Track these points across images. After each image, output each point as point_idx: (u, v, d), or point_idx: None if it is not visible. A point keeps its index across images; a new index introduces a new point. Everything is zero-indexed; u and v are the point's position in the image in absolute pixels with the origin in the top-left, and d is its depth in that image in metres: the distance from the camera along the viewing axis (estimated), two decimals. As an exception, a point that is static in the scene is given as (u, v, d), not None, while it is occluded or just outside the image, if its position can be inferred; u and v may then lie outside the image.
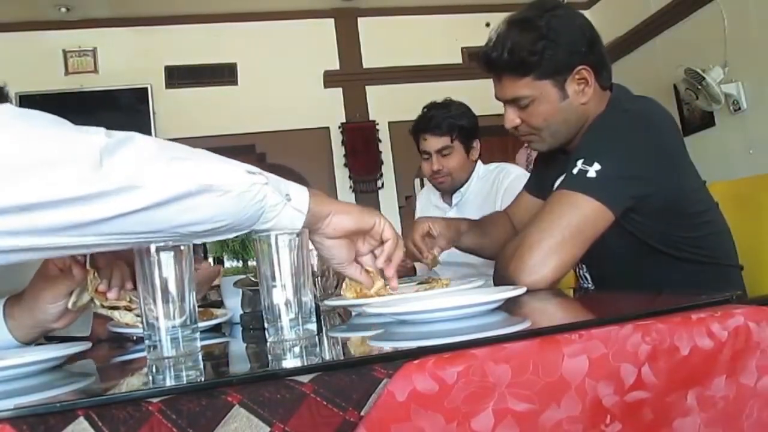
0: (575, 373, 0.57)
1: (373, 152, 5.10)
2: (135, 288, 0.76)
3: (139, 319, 0.78)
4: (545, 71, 1.20)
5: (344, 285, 0.93)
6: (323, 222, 0.80)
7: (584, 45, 1.21)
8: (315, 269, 1.10)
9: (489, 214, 1.60)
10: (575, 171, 1.12)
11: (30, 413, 0.48)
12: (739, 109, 4.08)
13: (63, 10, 4.70)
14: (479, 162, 2.25)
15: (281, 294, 0.75)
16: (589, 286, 1.39)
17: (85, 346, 0.76)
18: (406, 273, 2.19)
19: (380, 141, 5.09)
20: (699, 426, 0.61)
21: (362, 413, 0.52)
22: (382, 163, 5.11)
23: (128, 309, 0.86)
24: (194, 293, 0.74)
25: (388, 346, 0.70)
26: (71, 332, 0.99)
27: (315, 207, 0.77)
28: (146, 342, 0.72)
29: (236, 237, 1.21)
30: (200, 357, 0.73)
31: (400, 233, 0.90)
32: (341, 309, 1.09)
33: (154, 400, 0.49)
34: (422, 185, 2.42)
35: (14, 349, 0.86)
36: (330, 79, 5.21)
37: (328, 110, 5.12)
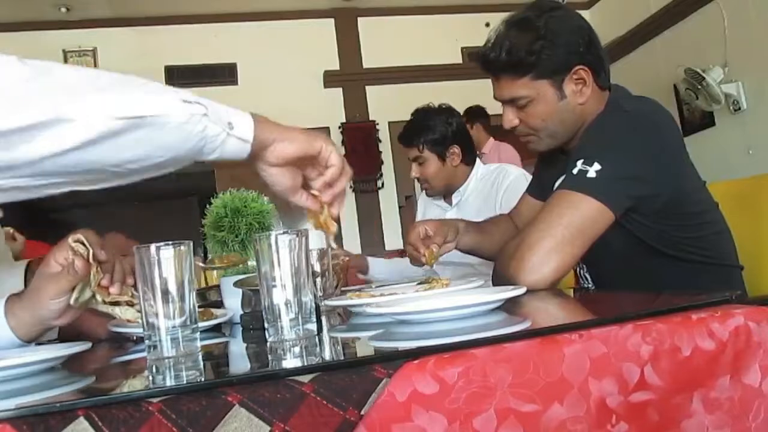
0: (576, 373, 0.57)
1: (373, 152, 5.10)
2: (136, 283, 0.75)
3: (140, 315, 0.78)
4: (543, 71, 1.21)
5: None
6: (267, 150, 0.76)
7: (582, 45, 1.21)
8: (315, 269, 1.10)
9: (493, 216, 1.61)
10: (575, 171, 1.12)
11: (30, 413, 0.48)
12: (739, 109, 4.09)
13: (63, 10, 4.71)
14: (478, 162, 2.25)
15: (281, 294, 0.75)
16: (590, 286, 1.39)
17: (85, 346, 0.76)
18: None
19: (380, 141, 5.10)
20: (706, 428, 0.60)
21: (362, 413, 0.52)
22: (382, 163, 5.12)
23: (130, 304, 0.86)
24: (194, 293, 0.74)
25: (388, 346, 0.70)
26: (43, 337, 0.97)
27: (259, 135, 0.74)
28: (146, 342, 0.72)
29: (236, 237, 1.22)
30: (200, 357, 0.73)
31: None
32: (341, 309, 1.09)
33: (154, 400, 0.49)
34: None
35: (14, 349, 0.86)
36: (330, 79, 5.21)
37: (328, 110, 5.13)
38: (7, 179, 0.58)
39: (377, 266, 2.28)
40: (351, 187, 5.03)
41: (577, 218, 1.08)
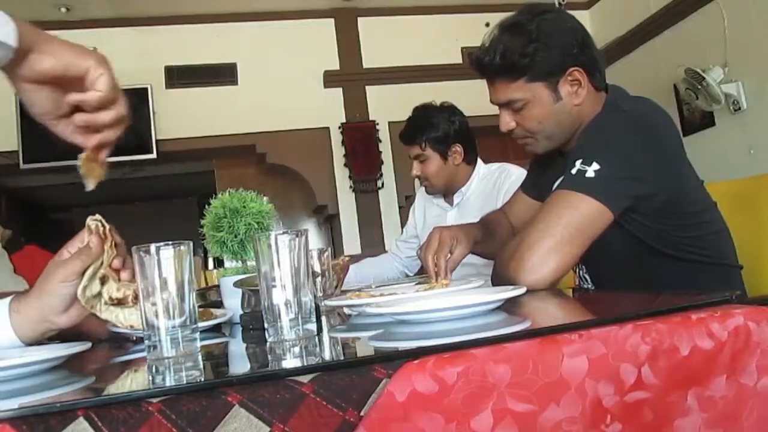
0: (575, 373, 0.57)
1: (373, 152, 5.09)
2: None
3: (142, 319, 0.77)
4: (537, 74, 1.21)
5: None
6: (24, 60, 0.66)
7: (575, 47, 1.22)
8: (315, 269, 1.10)
9: (490, 214, 1.60)
10: (574, 171, 1.12)
11: (30, 413, 0.48)
12: (739, 109, 4.08)
13: (63, 10, 4.70)
14: (480, 162, 2.25)
15: (281, 294, 0.75)
16: (589, 286, 1.39)
17: (85, 346, 0.76)
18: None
19: (380, 141, 5.09)
20: (699, 426, 0.61)
21: (362, 413, 0.52)
22: (382, 163, 5.11)
23: (136, 299, 0.85)
24: (194, 293, 0.74)
25: (388, 346, 0.70)
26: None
27: (23, 41, 0.65)
28: (146, 342, 0.72)
29: (235, 238, 1.22)
30: (200, 357, 0.73)
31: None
32: (341, 309, 1.09)
33: (154, 400, 0.50)
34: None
35: (15, 349, 0.86)
36: (330, 79, 5.21)
37: (328, 110, 5.12)
38: None
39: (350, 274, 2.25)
40: (351, 187, 5.03)
41: (577, 218, 1.08)
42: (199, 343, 0.74)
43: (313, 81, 5.18)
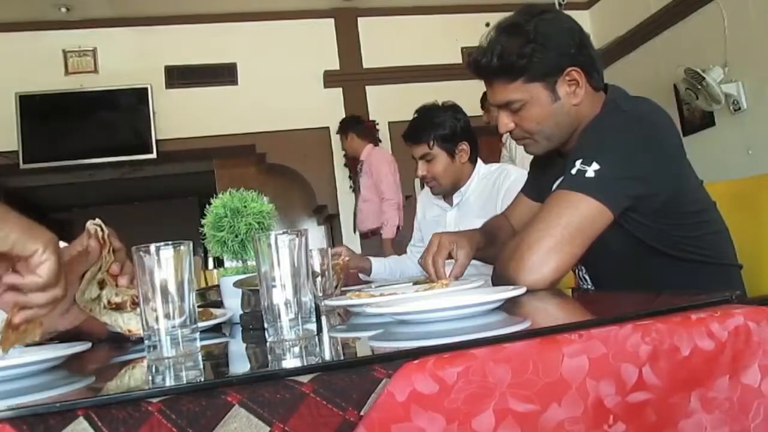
0: (575, 373, 0.57)
1: (373, 152, 5.09)
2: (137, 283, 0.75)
3: (141, 323, 0.77)
4: (535, 74, 1.21)
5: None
6: None
7: (573, 47, 1.22)
8: (315, 269, 1.10)
9: (491, 219, 1.60)
10: (574, 171, 1.12)
11: (30, 413, 0.48)
12: (739, 109, 4.09)
13: (63, 10, 4.71)
14: (480, 162, 2.25)
15: (281, 294, 0.75)
16: (589, 287, 1.39)
17: (85, 346, 0.76)
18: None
19: (380, 141, 5.09)
20: (705, 428, 0.60)
21: (362, 413, 0.52)
22: (382, 163, 5.10)
23: (135, 303, 0.85)
24: (194, 293, 0.74)
25: (388, 346, 0.70)
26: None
27: None
28: (146, 342, 0.72)
29: (236, 238, 1.22)
30: (200, 357, 0.73)
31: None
32: (341, 309, 1.09)
33: (154, 400, 0.49)
34: (422, 186, 2.41)
35: (15, 349, 0.86)
36: (330, 79, 5.21)
37: (328, 110, 5.13)
38: None
39: (379, 267, 2.27)
40: (351, 187, 5.03)
41: (576, 218, 1.08)
42: (199, 343, 0.74)
43: (313, 81, 5.19)
